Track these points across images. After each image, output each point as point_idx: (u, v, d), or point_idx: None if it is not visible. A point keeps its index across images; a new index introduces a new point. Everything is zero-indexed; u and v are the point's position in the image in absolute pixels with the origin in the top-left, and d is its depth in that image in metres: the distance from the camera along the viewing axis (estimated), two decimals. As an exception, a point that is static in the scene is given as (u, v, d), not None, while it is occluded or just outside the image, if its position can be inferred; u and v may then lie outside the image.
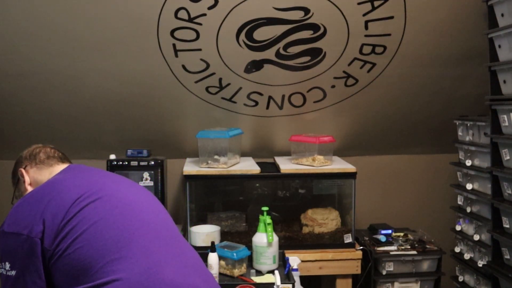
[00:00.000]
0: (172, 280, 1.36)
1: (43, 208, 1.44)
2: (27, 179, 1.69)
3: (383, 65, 2.73)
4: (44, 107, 2.83)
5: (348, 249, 2.76)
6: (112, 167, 2.76)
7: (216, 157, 2.77)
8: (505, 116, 2.24)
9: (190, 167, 2.76)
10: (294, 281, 2.29)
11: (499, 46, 2.28)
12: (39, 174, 1.69)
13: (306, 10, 2.45)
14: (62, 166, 1.69)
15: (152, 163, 2.77)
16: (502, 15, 2.23)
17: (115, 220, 1.42)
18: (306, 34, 2.55)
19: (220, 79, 2.74)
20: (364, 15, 2.48)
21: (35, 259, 1.40)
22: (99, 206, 1.44)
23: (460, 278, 2.74)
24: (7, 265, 1.42)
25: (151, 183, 2.77)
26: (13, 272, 1.41)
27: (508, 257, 2.28)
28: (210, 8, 2.39)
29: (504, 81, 2.27)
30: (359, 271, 2.74)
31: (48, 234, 1.40)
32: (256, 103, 2.89)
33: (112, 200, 1.48)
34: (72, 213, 1.42)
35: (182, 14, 2.41)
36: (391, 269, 2.73)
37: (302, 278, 2.52)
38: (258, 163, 2.92)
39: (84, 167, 1.69)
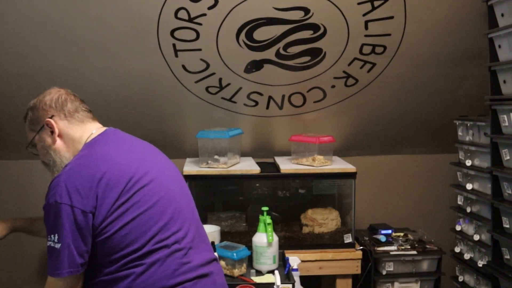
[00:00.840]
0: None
1: (96, 183, 1.43)
2: (56, 130, 1.60)
3: (383, 65, 2.73)
4: (44, 107, 2.82)
5: (348, 249, 2.76)
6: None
7: (216, 157, 2.77)
8: (505, 116, 2.24)
9: (190, 167, 2.77)
10: (294, 281, 2.29)
11: (499, 46, 2.28)
12: (70, 129, 1.62)
13: (306, 10, 2.45)
14: (95, 125, 1.65)
15: (152, 163, 2.77)
16: (502, 15, 2.23)
17: (161, 211, 1.51)
18: (306, 34, 2.55)
19: (220, 79, 2.74)
20: (364, 15, 2.48)
21: (86, 233, 1.42)
22: (148, 193, 1.50)
23: (460, 278, 2.74)
24: (55, 237, 1.41)
25: (151, 183, 2.76)
26: (59, 246, 1.40)
27: (508, 257, 2.28)
28: (210, 8, 2.39)
29: (504, 81, 2.27)
30: (359, 271, 2.74)
31: (100, 212, 1.43)
32: (256, 103, 2.89)
33: (160, 187, 1.55)
34: (124, 197, 1.46)
35: (182, 14, 2.41)
36: (391, 269, 2.73)
37: (302, 278, 2.52)
38: (258, 163, 2.92)
39: (124, 135, 1.66)
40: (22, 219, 1.99)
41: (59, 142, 1.60)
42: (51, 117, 1.60)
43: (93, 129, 1.63)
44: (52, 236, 1.41)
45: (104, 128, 1.65)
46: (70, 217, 1.40)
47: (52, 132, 1.60)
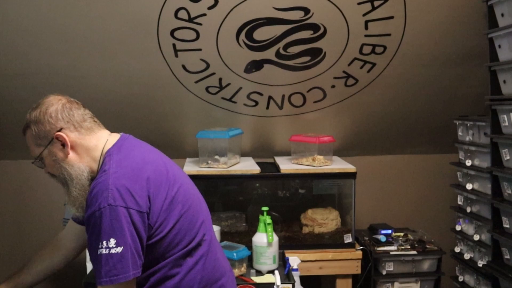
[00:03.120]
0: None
1: (145, 183, 1.43)
2: (68, 143, 1.54)
3: (383, 65, 2.73)
4: (44, 107, 2.82)
5: (348, 249, 2.76)
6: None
7: (216, 157, 2.77)
8: (505, 116, 2.24)
9: (190, 167, 2.77)
10: (294, 281, 2.29)
11: (499, 46, 2.28)
12: (83, 139, 1.56)
13: (306, 10, 2.45)
14: (105, 132, 1.61)
15: (152, 163, 2.77)
16: (502, 15, 2.23)
17: (198, 208, 1.57)
18: (306, 34, 2.55)
19: (220, 79, 2.74)
20: (364, 15, 2.48)
21: (143, 234, 1.41)
22: (184, 192, 1.54)
23: (460, 278, 2.74)
24: (112, 242, 1.36)
25: (151, 183, 2.76)
26: (119, 249, 1.36)
27: (508, 257, 2.28)
28: (210, 8, 2.39)
29: (504, 81, 2.27)
30: (359, 271, 2.74)
31: (154, 212, 1.43)
32: (256, 103, 2.89)
33: (189, 187, 1.60)
34: (170, 196, 1.48)
35: (182, 14, 2.41)
36: (391, 269, 2.73)
37: (302, 278, 2.52)
38: (258, 163, 2.92)
39: (138, 140, 1.65)
40: (19, 273, 1.80)
41: (71, 155, 1.53)
42: (59, 130, 1.53)
43: (105, 135, 1.61)
44: (105, 242, 1.36)
45: (117, 134, 1.63)
46: (127, 219, 1.37)
47: (64, 146, 1.53)
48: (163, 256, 1.46)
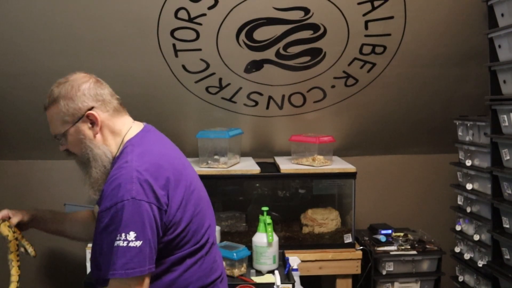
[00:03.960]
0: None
1: (165, 181, 1.43)
2: (99, 123, 1.50)
3: (383, 65, 2.73)
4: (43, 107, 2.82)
5: (348, 249, 2.76)
6: (112, 167, 2.76)
7: (216, 157, 2.77)
8: (505, 116, 2.24)
9: (190, 167, 2.76)
10: (294, 281, 2.29)
11: (499, 46, 2.28)
12: (110, 121, 1.52)
13: (306, 10, 2.45)
14: (129, 118, 1.59)
15: (152, 163, 2.77)
16: (502, 15, 2.23)
17: (206, 213, 1.57)
18: (306, 34, 2.55)
19: (220, 79, 2.74)
20: (364, 15, 2.48)
21: (160, 231, 1.40)
22: (197, 193, 1.54)
23: (460, 278, 2.74)
24: (132, 235, 1.34)
25: (151, 183, 2.76)
26: (138, 243, 1.34)
27: (508, 257, 2.28)
28: (210, 8, 2.39)
29: (504, 81, 2.27)
30: (359, 271, 2.74)
31: (171, 211, 1.43)
32: (256, 103, 2.89)
33: (199, 186, 1.60)
34: (186, 197, 1.48)
35: (182, 14, 2.41)
36: (391, 269, 2.73)
37: (302, 278, 2.52)
38: (258, 163, 2.92)
39: (160, 134, 1.63)
40: (43, 210, 1.82)
41: (98, 135, 1.50)
42: (91, 109, 1.49)
43: (130, 122, 1.58)
44: (124, 234, 1.34)
45: (141, 124, 1.61)
46: (149, 214, 1.36)
47: (93, 125, 1.49)
48: (166, 254, 1.45)
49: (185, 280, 1.48)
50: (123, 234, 1.34)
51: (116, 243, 1.34)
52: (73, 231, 1.77)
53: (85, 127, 1.49)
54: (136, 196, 1.35)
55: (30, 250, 1.68)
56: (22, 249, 1.66)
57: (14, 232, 1.62)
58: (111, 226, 1.36)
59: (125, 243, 1.33)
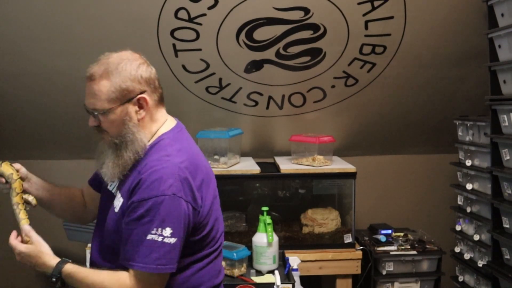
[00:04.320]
0: None
1: (201, 183, 1.44)
2: (147, 109, 1.45)
3: (383, 65, 2.73)
4: (44, 107, 2.83)
5: (348, 249, 2.76)
6: (112, 167, 2.75)
7: (216, 157, 2.77)
8: (505, 116, 2.24)
9: (190, 167, 2.76)
10: (294, 281, 2.29)
11: (499, 46, 2.28)
12: (154, 109, 1.48)
13: (306, 10, 2.45)
14: (165, 111, 1.54)
15: (152, 163, 2.77)
16: (502, 15, 2.23)
17: (221, 219, 1.57)
18: (306, 34, 2.55)
19: (220, 79, 2.74)
20: (364, 15, 2.48)
21: (188, 231, 1.39)
22: (218, 202, 1.57)
23: (460, 278, 2.74)
24: (168, 231, 1.33)
25: (151, 183, 2.76)
26: (173, 240, 1.33)
27: (508, 257, 2.28)
28: (210, 8, 2.39)
29: (504, 81, 2.27)
30: (359, 271, 2.74)
31: (202, 213, 1.43)
32: (256, 103, 2.89)
33: (218, 198, 1.60)
34: (212, 202, 1.49)
35: (182, 14, 2.41)
36: (391, 269, 2.73)
37: (302, 278, 2.52)
38: (258, 163, 2.91)
39: (189, 136, 1.59)
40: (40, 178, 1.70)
41: (141, 121, 1.46)
42: (143, 93, 1.44)
43: (165, 115, 1.54)
44: (160, 229, 1.32)
45: (174, 119, 1.57)
46: (186, 213, 1.36)
47: (140, 109, 1.44)
48: (186, 254, 1.44)
49: (197, 279, 1.48)
50: (159, 229, 1.32)
51: (150, 236, 1.32)
52: (59, 206, 1.70)
53: (132, 110, 1.43)
54: (177, 193, 1.35)
55: (31, 198, 1.56)
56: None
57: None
58: (145, 218, 1.33)
59: (160, 238, 1.32)
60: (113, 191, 1.52)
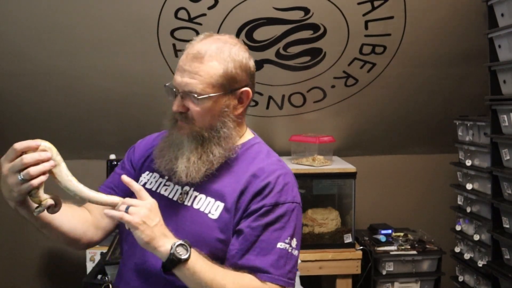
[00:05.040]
0: None
1: None
2: (245, 106, 1.30)
3: (383, 65, 2.73)
4: (44, 107, 2.83)
5: (348, 249, 2.76)
6: (112, 167, 2.76)
7: (216, 157, 2.76)
8: (505, 116, 2.24)
9: (190, 167, 2.76)
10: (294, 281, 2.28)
11: (499, 46, 2.28)
12: (245, 111, 1.33)
13: (306, 10, 2.45)
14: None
15: (152, 163, 2.77)
16: (502, 15, 2.23)
17: None
18: (306, 34, 2.55)
19: (220, 79, 2.74)
20: (364, 15, 2.48)
21: None
22: None
23: (460, 278, 2.74)
24: (294, 242, 1.22)
25: (151, 183, 2.76)
26: (296, 252, 1.23)
27: (508, 257, 2.28)
28: (210, 8, 2.39)
29: (504, 81, 2.27)
30: (359, 271, 2.74)
31: None
32: (256, 103, 2.89)
33: None
34: None
35: (182, 14, 2.41)
36: (391, 269, 2.73)
37: (302, 278, 2.52)
38: (258, 163, 2.91)
39: None
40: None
41: (237, 118, 1.30)
42: (247, 86, 1.28)
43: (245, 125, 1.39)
44: (290, 238, 1.21)
45: (251, 132, 1.44)
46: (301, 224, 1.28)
47: (240, 103, 1.29)
48: None
49: None
50: (289, 238, 1.21)
51: (282, 245, 1.20)
52: (68, 220, 1.29)
53: (232, 102, 1.27)
54: (300, 203, 1.26)
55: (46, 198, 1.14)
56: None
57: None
58: (276, 224, 1.20)
59: (290, 249, 1.21)
60: (176, 199, 1.30)
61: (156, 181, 1.35)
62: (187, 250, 1.12)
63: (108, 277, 2.02)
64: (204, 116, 1.24)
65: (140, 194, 1.16)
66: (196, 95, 1.21)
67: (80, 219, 1.33)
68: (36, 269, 3.22)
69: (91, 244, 1.37)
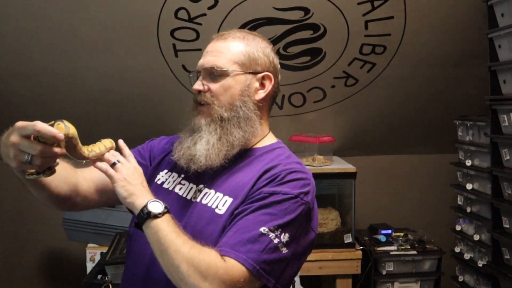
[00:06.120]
0: None
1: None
2: (268, 91, 1.28)
3: (383, 65, 2.73)
4: (44, 106, 2.83)
5: (348, 249, 2.76)
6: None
7: (216, 157, 2.76)
8: (505, 116, 2.23)
9: (190, 167, 2.76)
10: (294, 281, 2.28)
11: (499, 46, 2.28)
12: (269, 106, 1.32)
13: (306, 10, 2.45)
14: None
15: (152, 163, 2.77)
16: (502, 15, 2.23)
17: None
18: (306, 34, 2.55)
19: (220, 79, 2.74)
20: (364, 15, 2.48)
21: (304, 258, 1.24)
22: None
23: (460, 278, 2.74)
24: (284, 237, 1.10)
25: (151, 183, 2.76)
26: (285, 250, 1.09)
27: (508, 257, 2.28)
28: (210, 8, 2.39)
29: (504, 81, 2.27)
30: (359, 271, 2.74)
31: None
32: (256, 103, 2.89)
33: None
34: None
35: (182, 14, 2.40)
36: (391, 269, 2.73)
37: (302, 278, 2.52)
38: (258, 163, 2.91)
39: None
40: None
41: (258, 103, 1.26)
42: (269, 72, 1.30)
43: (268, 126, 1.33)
44: (282, 232, 1.09)
45: (274, 137, 1.38)
46: (304, 228, 1.18)
47: (262, 87, 1.28)
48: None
49: None
50: (277, 227, 1.09)
51: (265, 230, 1.09)
52: (59, 178, 1.31)
53: (254, 84, 1.27)
54: (311, 204, 1.18)
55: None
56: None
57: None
58: (268, 209, 1.12)
59: (274, 239, 1.09)
60: (190, 197, 1.26)
61: (174, 181, 1.33)
62: (161, 208, 1.10)
63: (108, 277, 2.02)
64: (224, 93, 1.24)
65: (129, 159, 1.24)
66: (216, 68, 1.24)
67: (67, 174, 1.35)
68: (36, 269, 3.22)
69: (69, 204, 1.37)
